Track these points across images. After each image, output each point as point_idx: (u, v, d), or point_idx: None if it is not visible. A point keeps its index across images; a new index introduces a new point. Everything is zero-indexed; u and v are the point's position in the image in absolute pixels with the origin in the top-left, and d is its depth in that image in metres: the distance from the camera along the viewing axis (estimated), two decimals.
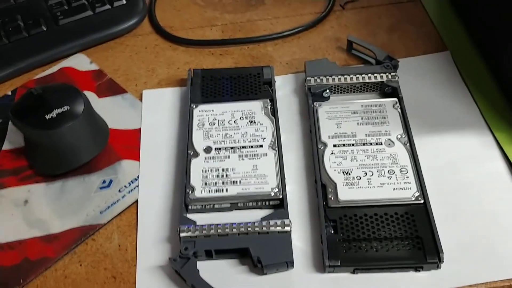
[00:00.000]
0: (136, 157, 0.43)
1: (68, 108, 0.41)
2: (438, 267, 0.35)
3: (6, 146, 0.44)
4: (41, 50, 0.50)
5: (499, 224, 0.37)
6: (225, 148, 0.41)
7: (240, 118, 0.43)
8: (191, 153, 0.40)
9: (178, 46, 0.52)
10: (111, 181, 0.41)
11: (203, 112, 0.43)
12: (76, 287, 0.36)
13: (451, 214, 0.38)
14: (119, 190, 0.41)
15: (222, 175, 0.39)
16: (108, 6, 0.53)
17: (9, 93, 0.48)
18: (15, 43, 0.51)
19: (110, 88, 0.48)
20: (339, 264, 0.34)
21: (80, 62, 0.51)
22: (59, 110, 0.41)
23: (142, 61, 0.51)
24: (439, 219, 0.36)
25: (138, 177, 0.41)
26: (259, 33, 0.52)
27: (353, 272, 0.35)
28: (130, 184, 0.41)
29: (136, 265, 0.37)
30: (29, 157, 0.43)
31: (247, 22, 0.54)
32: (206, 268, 0.35)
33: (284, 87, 0.47)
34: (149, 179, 0.41)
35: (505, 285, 0.34)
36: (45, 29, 0.52)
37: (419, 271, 0.35)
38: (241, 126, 0.42)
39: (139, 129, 0.45)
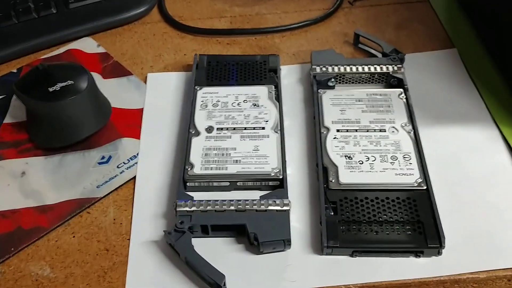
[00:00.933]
0: (137, 136, 0.42)
1: (72, 83, 0.41)
2: (439, 253, 0.34)
3: (7, 119, 0.44)
4: (49, 31, 0.51)
5: (501, 215, 0.36)
6: (227, 129, 0.40)
7: (244, 101, 0.42)
8: (193, 132, 0.40)
9: (186, 35, 0.52)
10: (110, 157, 0.41)
11: (207, 94, 0.43)
12: (67, 257, 0.35)
13: (454, 204, 0.37)
14: (118, 166, 0.40)
15: (223, 154, 0.38)
16: None
17: (15, 70, 0.48)
18: (24, 24, 0.51)
19: (116, 70, 0.48)
20: (338, 245, 0.34)
21: (88, 45, 0.51)
22: (63, 84, 0.41)
23: (149, 46, 0.51)
24: (442, 209, 0.35)
25: (137, 154, 0.41)
26: (267, 25, 0.52)
27: (352, 255, 0.34)
28: (129, 161, 0.40)
29: (130, 239, 0.36)
30: (30, 130, 0.42)
31: (256, 15, 0.54)
32: (201, 245, 0.34)
33: (290, 76, 0.47)
34: (149, 156, 0.41)
35: (507, 274, 0.33)
36: (55, 11, 0.52)
37: (419, 256, 0.34)
38: (245, 109, 0.42)
39: (142, 109, 0.44)
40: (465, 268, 0.33)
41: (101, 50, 0.50)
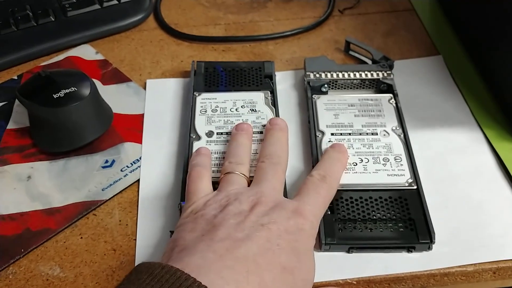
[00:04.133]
0: (139, 140, 0.44)
1: (76, 89, 0.43)
2: (429, 248, 0.36)
3: (10, 125, 0.45)
4: (48, 39, 0.52)
5: (487, 212, 0.39)
6: (227, 133, 0.42)
7: (242, 106, 0.44)
8: (193, 137, 0.42)
9: (182, 42, 0.54)
10: (113, 161, 0.42)
11: (205, 100, 0.45)
12: (75, 257, 0.37)
13: (442, 201, 0.39)
14: (121, 170, 0.42)
15: (222, 157, 0.40)
16: (115, 1, 0.55)
17: (16, 77, 0.49)
18: (23, 31, 0.52)
19: (115, 77, 0.49)
20: (335, 242, 0.36)
21: (86, 52, 0.52)
22: (67, 90, 0.42)
23: (147, 53, 0.52)
24: (431, 206, 0.37)
25: (140, 158, 0.42)
26: (261, 32, 0.54)
27: (348, 251, 0.36)
28: (132, 165, 0.42)
29: (136, 239, 0.37)
30: (33, 135, 0.44)
31: (249, 22, 0.56)
32: None
33: (284, 81, 0.49)
34: (151, 160, 0.42)
35: (492, 267, 0.36)
36: (53, 19, 0.53)
37: (411, 251, 0.36)
38: (242, 114, 0.44)
39: (142, 115, 0.46)
40: (454, 262, 0.36)
41: (99, 57, 0.52)
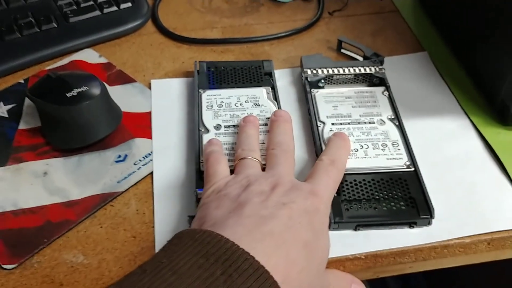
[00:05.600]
0: (149, 135, 0.46)
1: (87, 88, 0.44)
2: (429, 223, 0.39)
3: (22, 126, 0.47)
4: (52, 44, 0.54)
5: (477, 189, 0.42)
6: (234, 126, 0.44)
7: (246, 101, 0.47)
8: (202, 130, 0.44)
9: (181, 44, 0.56)
10: (126, 156, 0.44)
11: (210, 96, 0.47)
12: (97, 245, 0.38)
13: (437, 183, 0.42)
14: (134, 163, 0.43)
15: (232, 148, 0.43)
16: (115, 8, 0.57)
17: (22, 81, 0.51)
18: (27, 37, 0.54)
19: (120, 78, 0.51)
20: (343, 220, 0.38)
21: (90, 56, 0.54)
22: (79, 90, 0.44)
23: (148, 55, 0.54)
24: (427, 188, 0.40)
25: (151, 152, 0.44)
26: (256, 34, 0.57)
27: (355, 229, 0.39)
28: (144, 158, 0.44)
29: (154, 227, 0.39)
30: (46, 134, 0.45)
31: (245, 25, 0.59)
32: None
33: (282, 79, 0.52)
34: (162, 153, 0.44)
35: (486, 238, 0.39)
36: (55, 25, 0.55)
37: (413, 227, 0.39)
38: (247, 108, 0.46)
39: (150, 112, 0.48)
40: (452, 235, 0.39)
41: (103, 60, 0.53)
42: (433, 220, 0.39)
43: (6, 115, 0.47)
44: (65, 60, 0.53)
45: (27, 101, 0.48)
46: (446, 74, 0.52)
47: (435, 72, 0.52)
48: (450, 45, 0.55)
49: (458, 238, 0.39)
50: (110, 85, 0.51)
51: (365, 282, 0.39)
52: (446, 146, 0.45)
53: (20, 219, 0.39)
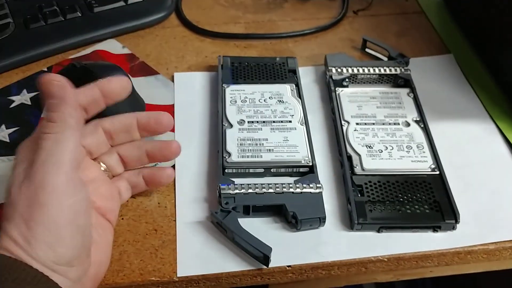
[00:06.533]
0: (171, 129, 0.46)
1: None
2: (454, 228, 0.39)
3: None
4: (75, 33, 0.54)
5: (502, 195, 0.41)
6: (257, 122, 0.44)
7: (270, 97, 0.46)
8: (226, 125, 0.44)
9: (205, 38, 0.56)
10: None
11: (234, 91, 0.47)
12: (119, 237, 0.38)
13: (462, 187, 0.42)
14: None
15: (256, 144, 0.42)
16: None
17: (45, 69, 0.51)
18: (52, 25, 0.54)
19: (143, 70, 0.51)
20: (367, 221, 0.38)
21: (113, 46, 0.54)
22: None
23: (171, 48, 0.54)
24: (452, 190, 0.40)
25: None
26: (279, 31, 0.57)
27: (378, 231, 0.39)
28: None
29: (175, 220, 0.39)
30: None
31: (268, 21, 0.58)
32: (243, 224, 0.38)
33: (306, 76, 0.51)
34: (184, 147, 0.43)
35: (511, 246, 0.39)
36: (80, 14, 0.55)
37: (437, 231, 0.39)
38: (271, 104, 0.46)
39: (172, 105, 0.48)
40: (477, 241, 0.38)
41: (126, 51, 0.53)
42: (457, 225, 0.38)
43: (29, 103, 0.47)
44: (88, 50, 0.53)
45: None
46: (472, 77, 0.51)
47: (460, 75, 0.52)
48: (476, 47, 0.54)
49: (482, 244, 0.38)
50: (132, 76, 0.50)
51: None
52: (471, 150, 0.45)
53: None
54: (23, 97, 0.48)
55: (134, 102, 0.46)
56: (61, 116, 0.32)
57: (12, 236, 0.29)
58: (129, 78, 0.46)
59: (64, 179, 0.30)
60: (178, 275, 0.36)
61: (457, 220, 0.38)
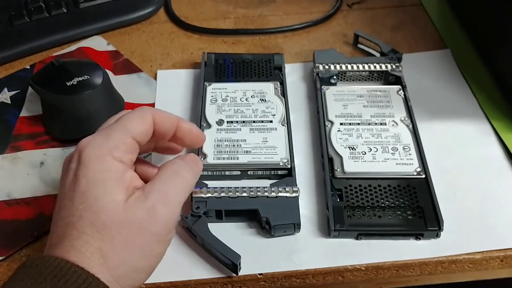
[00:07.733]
0: None
1: (88, 78, 0.43)
2: (437, 235, 0.36)
3: (23, 113, 0.46)
4: (60, 30, 0.53)
5: (493, 201, 0.39)
6: (237, 122, 0.43)
7: (252, 96, 0.45)
8: (204, 125, 0.42)
9: (192, 34, 0.54)
10: None
11: (216, 90, 0.45)
12: None
13: (450, 191, 0.39)
14: None
15: (234, 145, 0.41)
16: None
17: (28, 67, 0.50)
18: (36, 22, 0.53)
19: (126, 67, 0.50)
20: (344, 228, 0.36)
21: (98, 43, 0.53)
22: (80, 79, 0.43)
23: (157, 45, 0.53)
24: (439, 195, 0.38)
25: None
26: (270, 26, 0.55)
27: (357, 238, 0.37)
28: None
29: None
30: (46, 123, 0.44)
31: (259, 16, 0.56)
32: (215, 230, 0.36)
33: (293, 74, 0.49)
34: None
35: (499, 255, 0.36)
36: (65, 10, 0.54)
37: (419, 239, 0.37)
38: (252, 103, 0.44)
39: (153, 104, 0.46)
40: (462, 250, 0.36)
41: (111, 48, 0.52)
42: (441, 233, 0.36)
43: (9, 101, 0.47)
44: (72, 47, 0.52)
45: (31, 88, 0.48)
46: (469, 74, 0.49)
47: (456, 72, 0.49)
48: (475, 43, 0.51)
49: (467, 254, 0.36)
50: (115, 74, 0.49)
51: None
52: (463, 152, 0.42)
53: (14, 210, 0.39)
54: (3, 96, 0.47)
55: (112, 102, 0.45)
56: None
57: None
58: (107, 76, 0.45)
59: None
60: (145, 282, 0.35)
61: (440, 228, 0.36)
